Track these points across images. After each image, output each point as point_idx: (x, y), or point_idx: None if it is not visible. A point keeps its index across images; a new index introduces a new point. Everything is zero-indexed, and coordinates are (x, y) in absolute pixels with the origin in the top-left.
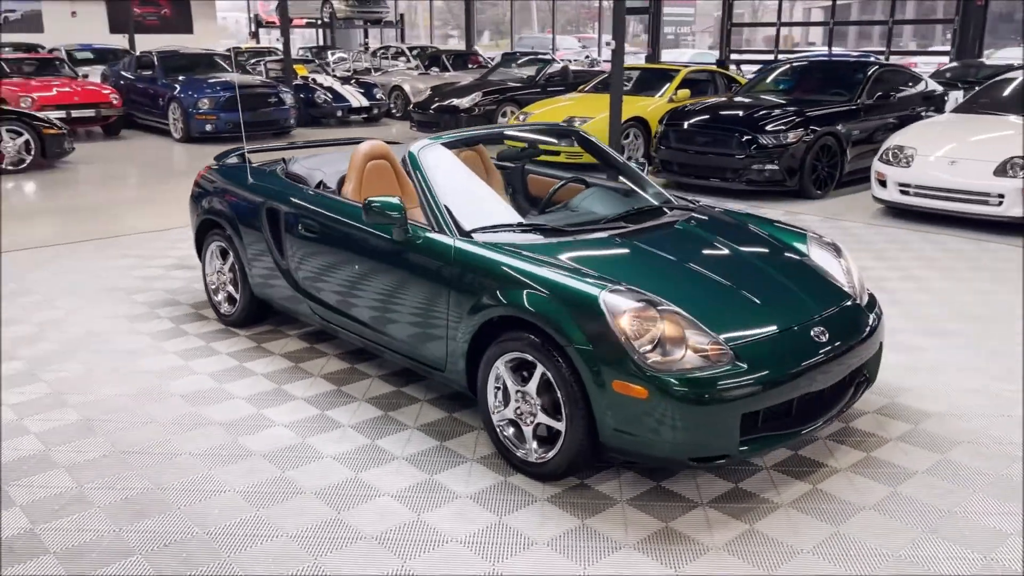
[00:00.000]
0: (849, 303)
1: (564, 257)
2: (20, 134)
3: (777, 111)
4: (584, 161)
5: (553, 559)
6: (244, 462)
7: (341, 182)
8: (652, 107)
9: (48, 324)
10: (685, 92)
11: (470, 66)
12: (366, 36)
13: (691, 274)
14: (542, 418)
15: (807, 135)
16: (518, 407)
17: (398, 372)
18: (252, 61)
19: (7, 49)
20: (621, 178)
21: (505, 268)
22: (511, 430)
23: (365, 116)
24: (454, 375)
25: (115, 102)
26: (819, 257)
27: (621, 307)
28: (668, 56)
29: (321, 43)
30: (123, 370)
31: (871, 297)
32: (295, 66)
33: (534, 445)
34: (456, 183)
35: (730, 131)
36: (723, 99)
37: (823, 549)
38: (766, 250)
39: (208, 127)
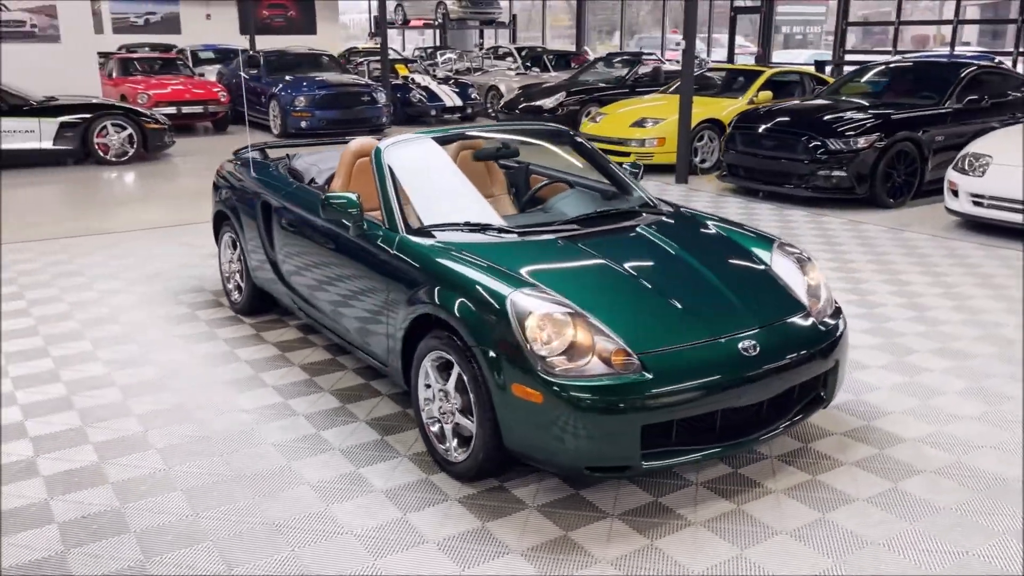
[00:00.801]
0: (799, 317)
1: (499, 257)
2: (124, 128)
3: (853, 114)
4: (655, 162)
5: (436, 558)
6: (197, 444)
7: (331, 178)
8: (729, 109)
9: (77, 305)
10: (767, 94)
11: (573, 66)
12: (481, 37)
13: (623, 280)
14: (459, 418)
15: (880, 140)
16: (440, 405)
17: (371, 367)
18: (359, 61)
19: (145, 48)
20: (608, 181)
21: (431, 266)
22: (436, 427)
23: (459, 115)
24: (394, 371)
25: (223, 99)
26: (781, 267)
27: (527, 310)
28: (783, 57)
29: (437, 43)
30: (118, 350)
31: (837, 312)
32: (397, 66)
33: (454, 444)
34: (421, 180)
35: (797, 135)
36: (799, 101)
37: (718, 570)
38: (721, 258)
39: (303, 124)
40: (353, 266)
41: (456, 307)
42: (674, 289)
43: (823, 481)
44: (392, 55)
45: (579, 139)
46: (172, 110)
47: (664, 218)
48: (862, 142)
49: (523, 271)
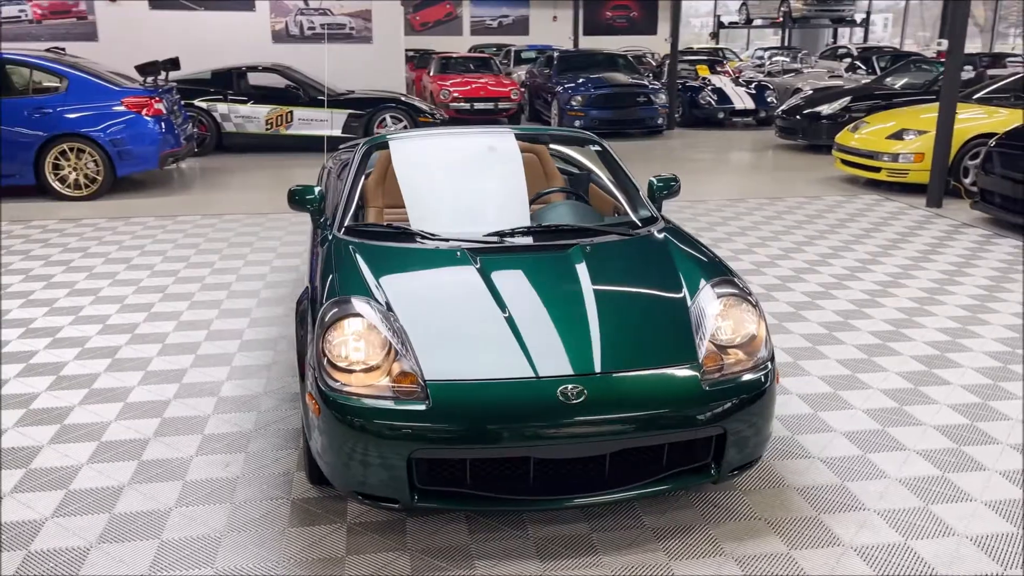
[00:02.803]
0: (679, 369)
1: (380, 262)
2: (400, 120)
3: None
4: (909, 181)
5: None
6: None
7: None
8: (1016, 123)
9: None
10: None
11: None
12: (834, 37)
13: (480, 302)
14: None
15: None
16: None
17: None
18: (658, 63)
19: (492, 50)
20: (622, 194)
21: (325, 265)
22: None
23: (751, 118)
24: None
25: (513, 97)
26: (703, 310)
27: (335, 317)
28: None
29: (785, 43)
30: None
31: (761, 373)
32: (698, 67)
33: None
34: (381, 180)
35: None
36: None
37: None
38: (628, 295)
39: (577, 122)
40: (313, 262)
41: (302, 309)
42: (533, 321)
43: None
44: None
45: (607, 148)
46: (466, 106)
47: (619, 239)
48: None
49: (383, 279)
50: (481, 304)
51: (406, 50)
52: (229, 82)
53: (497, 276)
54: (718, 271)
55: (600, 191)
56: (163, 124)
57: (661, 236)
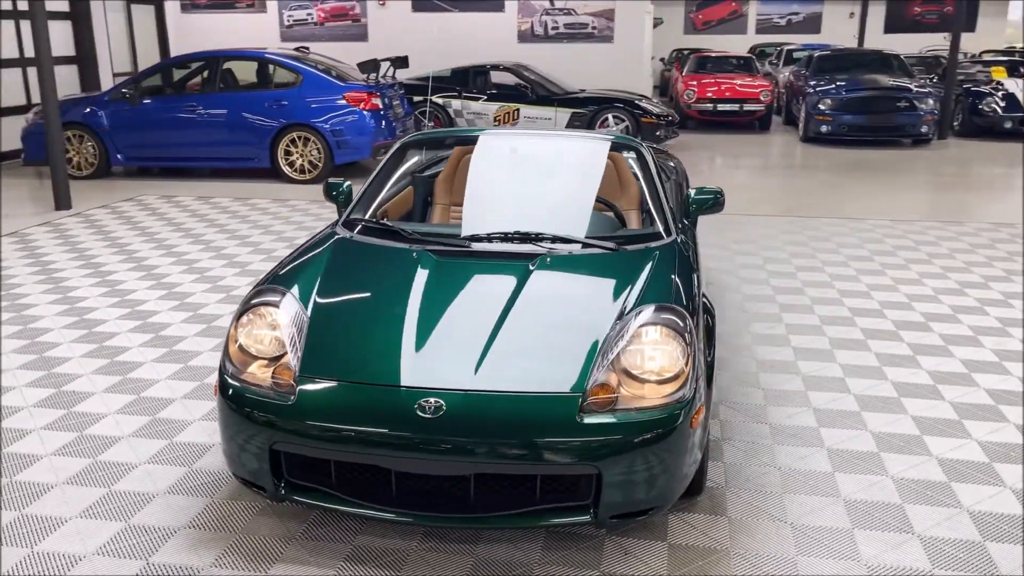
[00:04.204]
0: (557, 395)
1: (337, 258)
2: (622, 120)
3: None
4: None
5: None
6: None
7: None
8: None
9: None
10: None
11: None
12: None
13: (402, 304)
14: None
15: None
16: None
17: None
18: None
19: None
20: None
21: (297, 250)
22: None
23: None
24: None
25: (763, 99)
26: (626, 334)
27: (253, 303)
28: None
29: None
30: None
31: (666, 414)
32: (993, 69)
33: None
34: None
35: None
36: None
37: None
38: (560, 312)
39: (823, 128)
40: None
41: None
42: (435, 330)
43: None
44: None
45: (644, 152)
46: (709, 107)
47: (602, 252)
48: None
49: (330, 274)
50: (393, 310)
51: (675, 49)
52: (466, 80)
53: (440, 282)
54: (672, 300)
55: (629, 201)
56: (379, 118)
57: (655, 254)
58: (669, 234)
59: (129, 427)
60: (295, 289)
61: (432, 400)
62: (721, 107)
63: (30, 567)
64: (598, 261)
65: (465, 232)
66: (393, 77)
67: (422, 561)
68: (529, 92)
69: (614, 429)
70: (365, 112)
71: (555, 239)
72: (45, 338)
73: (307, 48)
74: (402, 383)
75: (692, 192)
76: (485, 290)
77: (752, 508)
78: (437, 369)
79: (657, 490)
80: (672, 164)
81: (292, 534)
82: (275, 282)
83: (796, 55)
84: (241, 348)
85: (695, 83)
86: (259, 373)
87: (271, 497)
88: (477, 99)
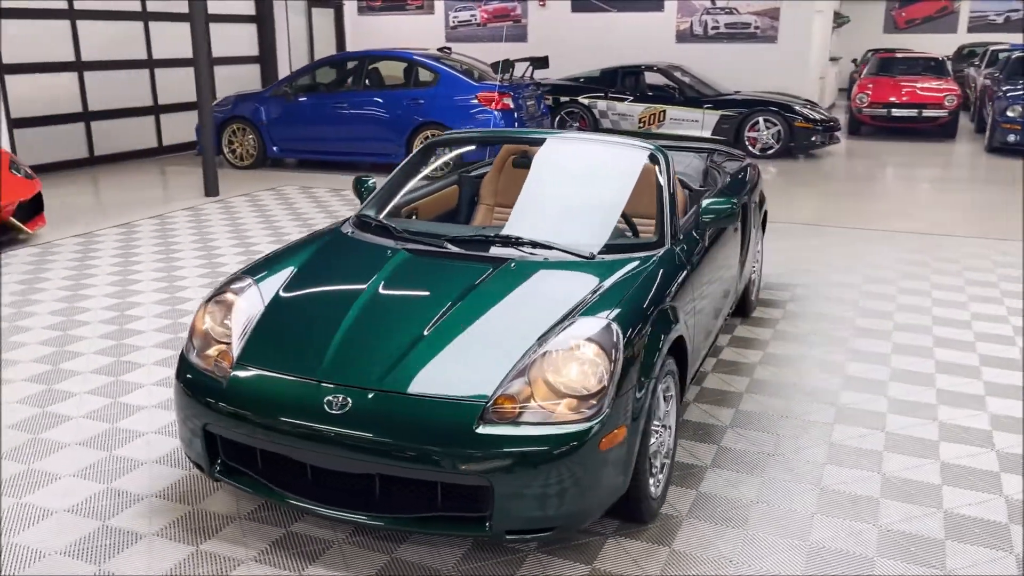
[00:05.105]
0: (461, 402)
1: (322, 251)
2: (774, 125)
3: None
4: None
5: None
6: None
7: None
8: None
9: None
10: None
11: None
12: None
13: (352, 301)
14: None
15: None
16: None
17: None
18: None
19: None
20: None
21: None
22: None
23: None
24: None
25: (947, 104)
26: (552, 345)
27: (219, 290)
28: None
29: None
30: None
31: (571, 429)
32: None
33: None
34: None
35: None
36: None
37: None
38: (502, 319)
39: (1011, 137)
40: None
41: None
42: (372, 327)
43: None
44: None
45: (665, 156)
46: (882, 111)
47: (572, 259)
48: None
49: (303, 267)
50: (340, 306)
51: (870, 50)
52: (615, 81)
53: (397, 281)
54: (616, 314)
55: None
56: (509, 117)
57: (629, 264)
58: (662, 244)
59: (160, 397)
60: (264, 280)
61: (340, 397)
62: (896, 112)
63: (14, 515)
64: (566, 269)
65: (488, 235)
66: (531, 77)
67: (338, 554)
68: (677, 93)
69: (509, 442)
70: (496, 111)
71: (533, 244)
72: (132, 311)
73: (449, 49)
74: (318, 378)
75: (706, 202)
76: (435, 291)
77: (703, 543)
78: (354, 366)
79: (562, 510)
80: (737, 168)
81: (240, 513)
82: (248, 271)
83: (1002, 56)
84: (206, 332)
85: (871, 86)
86: (209, 356)
87: (209, 476)
88: (623, 100)
